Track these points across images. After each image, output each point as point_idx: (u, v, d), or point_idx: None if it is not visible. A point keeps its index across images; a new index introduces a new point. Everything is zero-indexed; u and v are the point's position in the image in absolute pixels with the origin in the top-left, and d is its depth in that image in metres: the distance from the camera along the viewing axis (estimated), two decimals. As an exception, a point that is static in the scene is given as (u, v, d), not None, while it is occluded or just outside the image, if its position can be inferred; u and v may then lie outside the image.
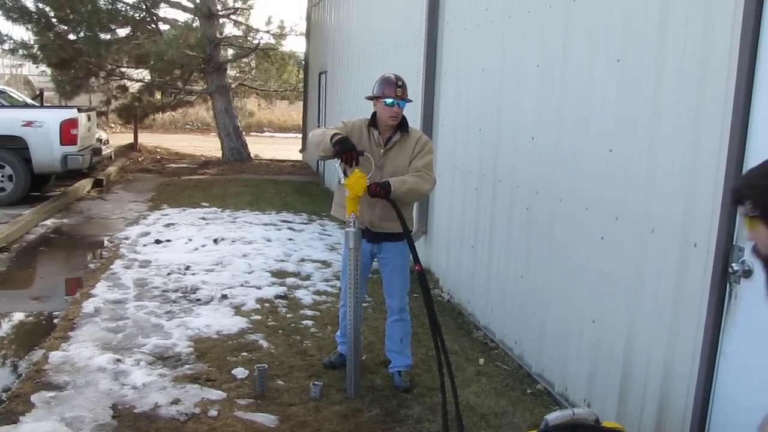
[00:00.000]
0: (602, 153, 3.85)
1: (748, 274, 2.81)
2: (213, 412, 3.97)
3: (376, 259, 4.51)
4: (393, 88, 4.26)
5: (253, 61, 21.77)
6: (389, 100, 4.23)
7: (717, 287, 2.94)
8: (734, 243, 2.88)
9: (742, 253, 2.84)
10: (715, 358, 2.99)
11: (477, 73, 5.83)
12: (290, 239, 8.74)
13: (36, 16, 16.49)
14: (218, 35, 18.35)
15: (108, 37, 17.58)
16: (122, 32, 18.26)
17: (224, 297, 6.15)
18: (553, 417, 2.72)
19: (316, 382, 4.29)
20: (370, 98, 4.39)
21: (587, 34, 4.07)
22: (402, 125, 4.33)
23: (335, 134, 4.07)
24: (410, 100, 4.40)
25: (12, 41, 16.92)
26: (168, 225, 9.42)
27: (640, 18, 3.56)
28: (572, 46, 4.26)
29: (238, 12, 19.38)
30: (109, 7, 17.21)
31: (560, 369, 4.35)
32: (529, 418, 4.05)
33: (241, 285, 6.55)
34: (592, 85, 4.00)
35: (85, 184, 12.58)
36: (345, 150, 3.99)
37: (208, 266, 7.17)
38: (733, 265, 2.86)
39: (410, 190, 4.15)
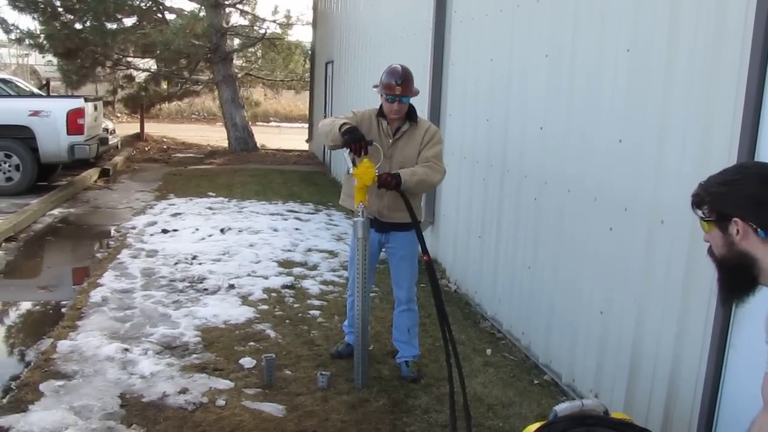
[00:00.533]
0: (611, 143, 3.83)
1: (758, 265, 2.79)
2: (221, 402, 3.98)
3: (384, 249, 4.50)
4: (393, 86, 4.18)
5: (260, 51, 21.76)
6: (389, 98, 4.21)
7: (727, 279, 2.92)
8: (745, 234, 2.85)
9: (752, 245, 2.81)
10: (725, 350, 2.97)
11: (485, 63, 5.80)
12: (297, 229, 8.74)
13: (42, 6, 16.49)
14: (224, 25, 18.33)
15: (114, 26, 17.58)
16: (128, 22, 18.29)
17: (231, 287, 6.16)
18: (562, 408, 2.71)
19: (324, 372, 4.29)
20: (375, 87, 4.38)
21: (597, 24, 4.04)
22: (411, 115, 4.31)
23: (344, 124, 4.06)
24: (416, 93, 4.35)
25: (18, 31, 16.96)
26: (175, 215, 9.43)
27: (650, 7, 3.53)
28: (581, 36, 4.23)
29: (244, 1, 19.36)
30: (116, -4, 17.21)
31: (568, 360, 4.34)
32: (536, 409, 4.05)
33: (248, 275, 6.56)
34: (602, 74, 3.97)
35: (91, 174, 12.62)
36: (354, 140, 3.97)
37: (215, 256, 7.18)
38: (743, 256, 2.84)
39: (421, 181, 4.14)
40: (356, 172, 4.01)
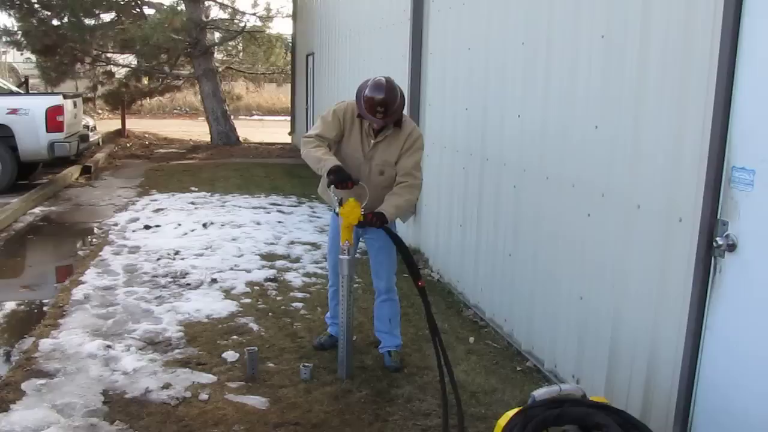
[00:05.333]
0: (588, 130, 3.85)
1: (732, 248, 2.82)
2: (204, 396, 3.98)
3: (362, 240, 4.50)
4: (374, 111, 4.04)
5: (240, 44, 21.64)
6: (369, 118, 4.13)
7: (702, 261, 2.95)
8: (719, 217, 2.89)
9: (726, 228, 2.85)
10: (701, 331, 3.00)
11: (463, 52, 5.80)
12: (280, 222, 8.73)
13: (18, 2, 16.30)
14: (204, 18, 18.20)
15: (92, 22, 17.45)
16: (107, 17, 18.13)
17: (214, 281, 6.15)
18: (541, 393, 2.74)
19: (307, 364, 4.30)
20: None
21: (572, 10, 4.05)
22: (397, 120, 4.19)
23: (330, 165, 3.98)
24: (400, 113, 4.16)
25: (-5, 28, 16.79)
26: (157, 210, 9.40)
27: (623, -7, 3.54)
28: (557, 23, 4.24)
29: (223, -6, 19.23)
30: (93, -9, 17.04)
31: (549, 346, 4.37)
32: (518, 396, 4.08)
33: (231, 269, 6.55)
34: (577, 61, 3.98)
35: (73, 172, 12.51)
36: (340, 180, 3.96)
37: (198, 251, 7.16)
38: (717, 239, 2.87)
39: (404, 211, 4.28)
40: (342, 211, 4.02)
